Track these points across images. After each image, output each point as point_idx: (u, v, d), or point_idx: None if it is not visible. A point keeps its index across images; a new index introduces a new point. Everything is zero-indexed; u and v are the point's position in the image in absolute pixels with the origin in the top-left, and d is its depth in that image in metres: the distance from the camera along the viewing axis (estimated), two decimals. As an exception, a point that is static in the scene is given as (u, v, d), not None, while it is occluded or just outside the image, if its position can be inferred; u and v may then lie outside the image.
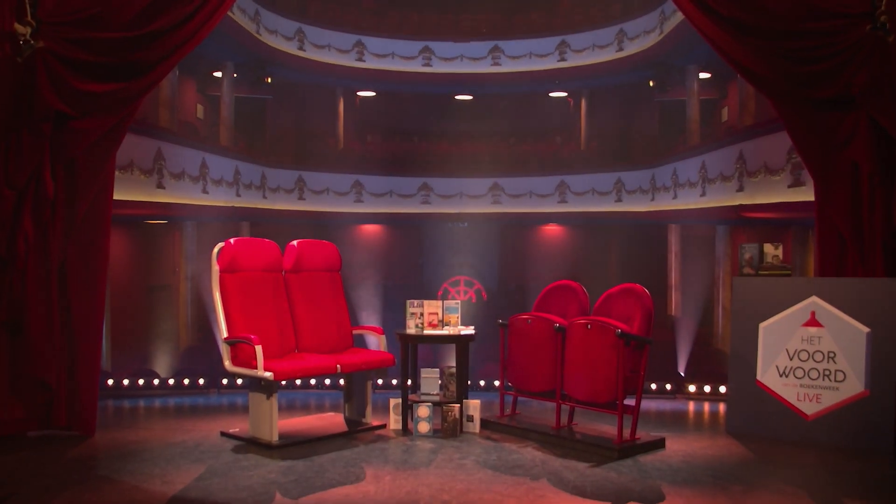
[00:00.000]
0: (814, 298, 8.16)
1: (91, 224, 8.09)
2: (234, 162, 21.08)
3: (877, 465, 7.26)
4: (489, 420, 8.48)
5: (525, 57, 25.54)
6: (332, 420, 8.73)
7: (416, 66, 25.72)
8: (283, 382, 8.55)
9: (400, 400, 8.41)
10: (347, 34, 25.34)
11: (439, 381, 8.49)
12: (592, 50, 24.84)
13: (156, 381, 11.68)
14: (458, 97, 28.22)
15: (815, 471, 7.14)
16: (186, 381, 11.65)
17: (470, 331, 8.48)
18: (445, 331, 8.42)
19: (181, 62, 9.51)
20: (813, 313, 8.15)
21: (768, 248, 8.87)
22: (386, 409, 8.69)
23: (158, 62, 8.07)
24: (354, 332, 8.79)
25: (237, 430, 8.18)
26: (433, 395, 8.40)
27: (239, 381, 11.23)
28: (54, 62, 7.73)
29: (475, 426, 8.33)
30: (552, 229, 27.73)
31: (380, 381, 11.12)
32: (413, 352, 8.56)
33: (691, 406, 10.57)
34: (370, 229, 27.37)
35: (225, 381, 11.58)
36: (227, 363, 7.78)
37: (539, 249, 27.17)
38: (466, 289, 25.02)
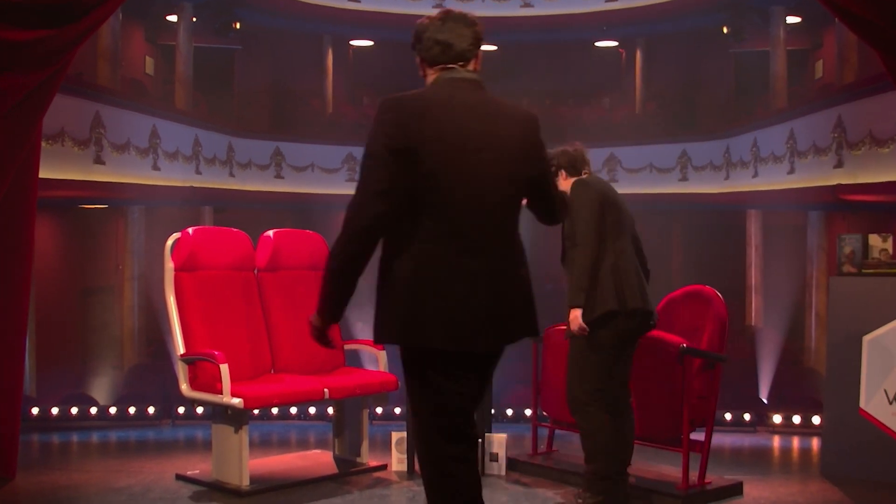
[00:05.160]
0: (934, 304, 8.15)
1: (11, 210, 8.10)
2: (194, 130, 21.10)
3: None
4: (518, 459, 8.48)
5: (564, -4, 25.56)
6: (319, 459, 8.74)
7: (425, 9, 25.62)
8: (256, 411, 8.56)
9: (404, 434, 8.42)
10: (337, -33, 25.37)
11: (454, 410, 8.49)
12: (650, -13, 24.85)
13: (93, 410, 11.74)
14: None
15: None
16: (132, 410, 11.70)
17: (493, 345, 8.47)
18: (462, 345, 8.41)
19: (125, 3, 9.52)
20: (933, 323, 8.14)
21: (874, 241, 8.82)
22: (386, 446, 8.68)
23: (97, 3, 8.08)
24: (347, 347, 8.80)
25: (197, 471, 8.20)
26: (446, 427, 8.40)
27: (199, 410, 11.27)
28: (-36, 4, 7.74)
29: (500, 467, 8.33)
30: (598, 216, 27.68)
31: (379, 410, 11.14)
32: (421, 372, 8.54)
33: (776, 441, 10.58)
34: (366, 216, 27.34)
35: (181, 410, 11.62)
36: (185, 387, 7.79)
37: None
38: (489, 292, 24.99)
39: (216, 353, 7.52)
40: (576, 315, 6.76)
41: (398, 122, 4.44)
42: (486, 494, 7.61)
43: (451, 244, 4.47)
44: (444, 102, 4.55)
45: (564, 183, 7.11)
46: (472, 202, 4.49)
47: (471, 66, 4.73)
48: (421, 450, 4.68)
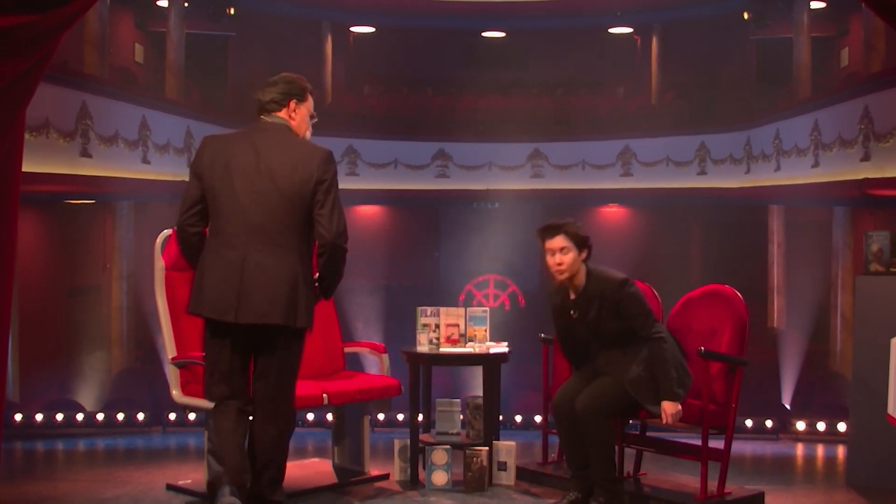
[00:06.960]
0: (966, 305, 8.14)
1: (-7, 205, 8.10)
2: (186, 121, 21.09)
3: None
4: (528, 468, 8.46)
5: (576, -21, 25.54)
6: (317, 468, 8.73)
7: (430, -7, 25.73)
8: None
9: (408, 441, 8.40)
10: (337, -51, 25.37)
11: (461, 417, 8.49)
12: (666, -30, 24.84)
13: (79, 417, 11.74)
14: (486, 34, 28.19)
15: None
16: (121, 417, 11.70)
17: (502, 348, 8.46)
18: (469, 348, 8.40)
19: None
20: (965, 325, 8.12)
21: (904, 238, 8.82)
22: (389, 454, 8.67)
23: (83, -13, 8.07)
24: (347, 350, 8.77)
25: (189, 481, 8.18)
26: (452, 434, 8.40)
27: (192, 416, 11.28)
28: (-57, -12, 7.73)
29: (509, 476, 8.31)
30: (612, 212, 27.69)
31: (381, 417, 11.13)
32: (426, 377, 8.54)
33: (800, 449, 10.57)
34: (367, 211, 27.39)
35: (172, 416, 11.62)
36: (176, 392, 7.78)
37: (595, 239, 27.04)
38: (497, 292, 25.01)
39: (209, 356, 7.51)
40: (676, 410, 7.04)
41: (197, 154, 6.40)
42: (494, 505, 7.60)
43: (220, 239, 6.25)
44: (238, 139, 6.40)
45: (579, 262, 7.53)
46: (238, 210, 6.19)
47: (280, 114, 6.47)
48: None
